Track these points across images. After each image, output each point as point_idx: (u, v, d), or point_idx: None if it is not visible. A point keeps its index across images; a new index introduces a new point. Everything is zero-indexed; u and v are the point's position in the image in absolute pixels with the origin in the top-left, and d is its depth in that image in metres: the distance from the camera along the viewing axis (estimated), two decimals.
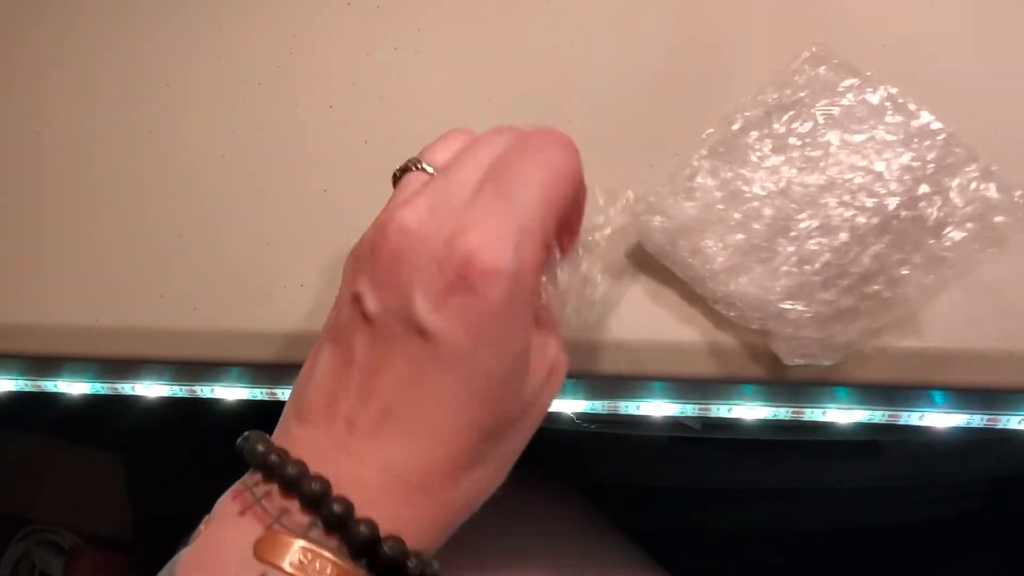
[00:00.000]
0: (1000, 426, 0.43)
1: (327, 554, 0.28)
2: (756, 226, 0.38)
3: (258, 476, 0.30)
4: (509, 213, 0.30)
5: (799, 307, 0.37)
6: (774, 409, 0.44)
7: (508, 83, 0.49)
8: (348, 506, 0.28)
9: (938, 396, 0.42)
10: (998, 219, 0.37)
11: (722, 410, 0.45)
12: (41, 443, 0.97)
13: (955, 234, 0.37)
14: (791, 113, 0.40)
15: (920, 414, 0.44)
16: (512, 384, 0.31)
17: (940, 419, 0.44)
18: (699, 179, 0.40)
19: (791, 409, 0.44)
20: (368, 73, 0.51)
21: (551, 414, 0.47)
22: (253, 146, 0.49)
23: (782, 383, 0.42)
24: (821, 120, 0.39)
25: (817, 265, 0.37)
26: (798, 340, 0.37)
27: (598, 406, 0.46)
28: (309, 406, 0.31)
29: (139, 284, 0.45)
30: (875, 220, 0.37)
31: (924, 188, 0.37)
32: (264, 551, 0.27)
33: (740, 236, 0.38)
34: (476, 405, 0.30)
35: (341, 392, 0.31)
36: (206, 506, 0.31)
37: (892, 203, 0.37)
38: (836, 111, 0.39)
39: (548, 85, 0.48)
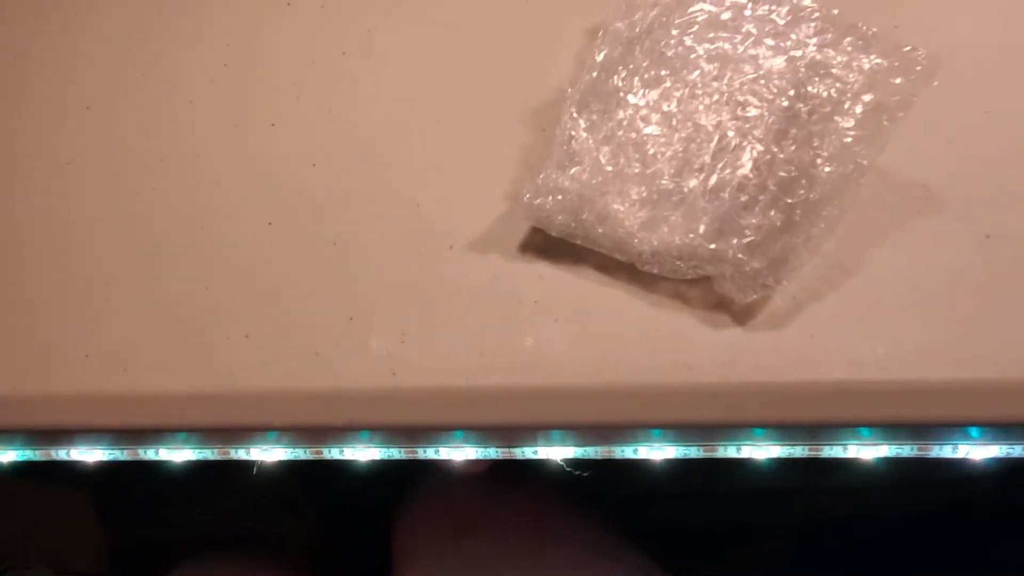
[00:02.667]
0: None
1: None
2: (656, 170, 0.35)
3: None
4: None
5: (731, 243, 0.33)
6: (789, 448, 0.39)
7: (469, 86, 0.43)
8: None
9: (974, 431, 0.37)
10: (896, 80, 0.34)
11: (730, 450, 0.40)
12: (4, 484, 0.92)
13: (857, 109, 0.34)
14: (651, 38, 0.37)
15: (953, 446, 0.39)
16: None
17: (978, 451, 0.39)
18: (576, 141, 0.36)
19: (808, 446, 0.39)
20: (314, 84, 0.45)
21: (537, 462, 0.42)
22: (186, 174, 0.43)
23: (797, 426, 0.37)
24: (685, 38, 0.36)
25: (732, 190, 0.34)
26: (742, 275, 0.34)
27: (591, 452, 0.41)
28: None
29: (61, 343, 0.39)
30: (773, 123, 0.34)
31: (810, 74, 0.35)
32: None
33: (643, 187, 0.35)
34: None
35: None
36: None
37: (784, 100, 0.34)
38: (698, 21, 0.36)
39: (512, 86, 0.42)
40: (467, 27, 0.45)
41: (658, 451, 0.41)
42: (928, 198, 0.37)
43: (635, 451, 0.41)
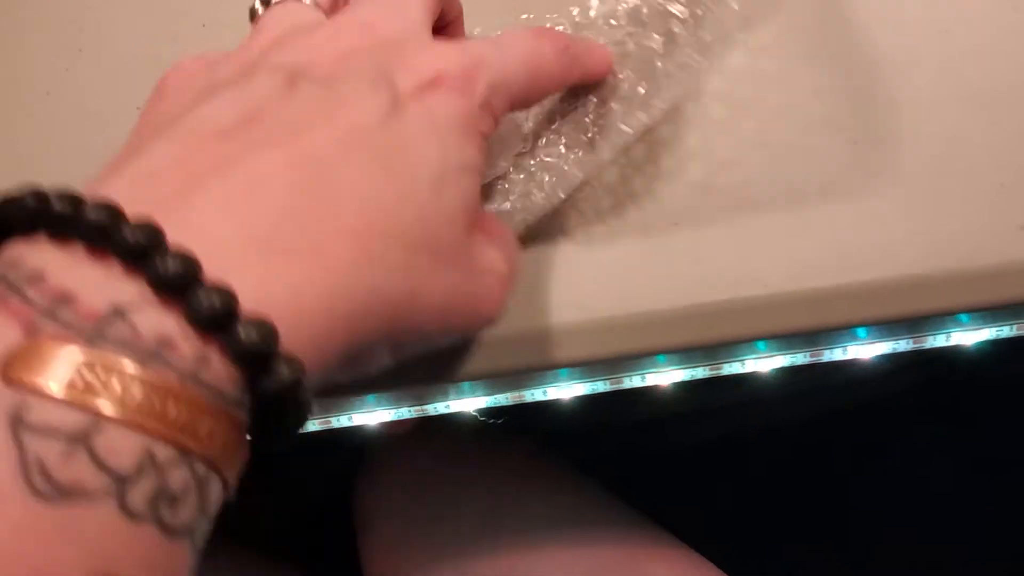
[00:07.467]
0: (927, 346, 0.41)
1: (130, 366, 0.17)
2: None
3: (20, 247, 0.19)
4: (479, 46, 0.27)
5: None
6: (691, 371, 0.41)
7: None
8: (191, 265, 0.19)
9: (862, 331, 0.39)
10: None
11: (635, 380, 0.41)
12: None
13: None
14: None
15: (843, 348, 0.41)
16: (450, 203, 0.25)
17: (865, 351, 0.40)
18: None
19: (709, 367, 0.41)
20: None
21: (451, 416, 0.43)
22: (48, 174, 0.41)
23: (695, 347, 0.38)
24: None
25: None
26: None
27: (501, 399, 0.42)
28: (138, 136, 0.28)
29: None
30: None
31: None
32: (19, 368, 0.17)
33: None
34: (402, 198, 0.24)
35: (214, 111, 0.25)
36: None
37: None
38: None
39: None
40: None
41: (568, 390, 0.42)
42: (792, 110, 0.38)
43: (544, 392, 0.42)
